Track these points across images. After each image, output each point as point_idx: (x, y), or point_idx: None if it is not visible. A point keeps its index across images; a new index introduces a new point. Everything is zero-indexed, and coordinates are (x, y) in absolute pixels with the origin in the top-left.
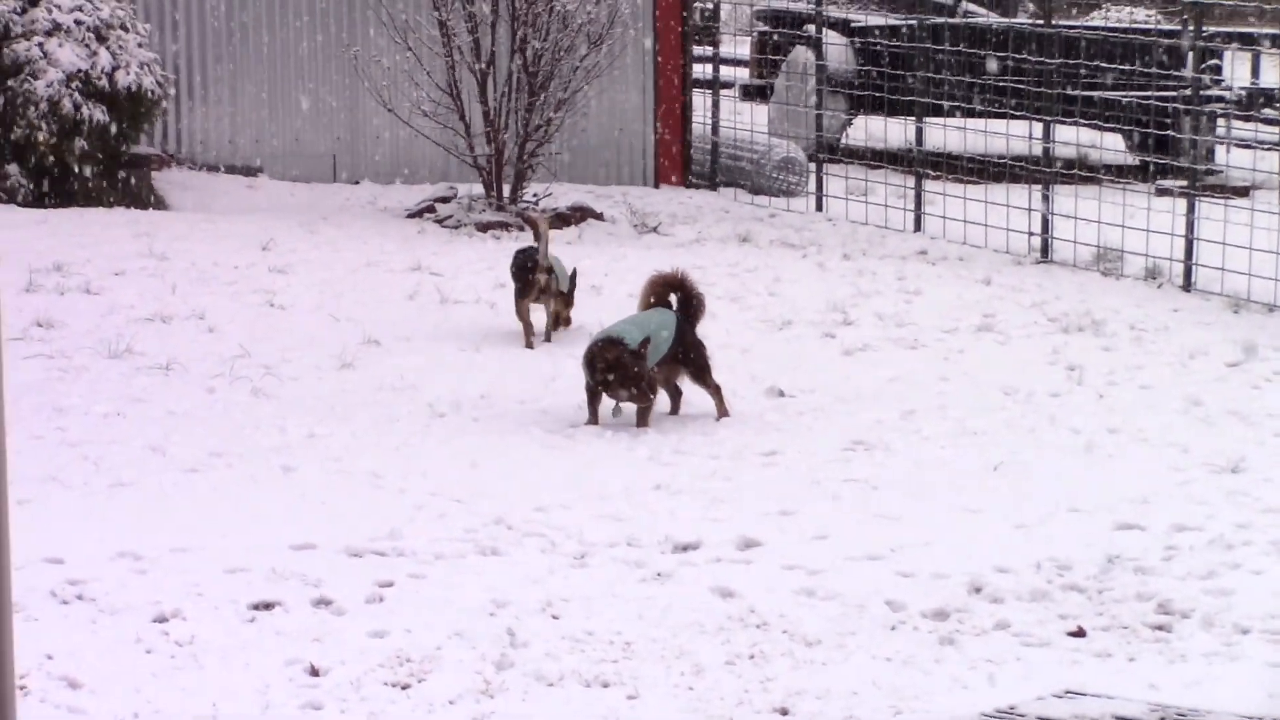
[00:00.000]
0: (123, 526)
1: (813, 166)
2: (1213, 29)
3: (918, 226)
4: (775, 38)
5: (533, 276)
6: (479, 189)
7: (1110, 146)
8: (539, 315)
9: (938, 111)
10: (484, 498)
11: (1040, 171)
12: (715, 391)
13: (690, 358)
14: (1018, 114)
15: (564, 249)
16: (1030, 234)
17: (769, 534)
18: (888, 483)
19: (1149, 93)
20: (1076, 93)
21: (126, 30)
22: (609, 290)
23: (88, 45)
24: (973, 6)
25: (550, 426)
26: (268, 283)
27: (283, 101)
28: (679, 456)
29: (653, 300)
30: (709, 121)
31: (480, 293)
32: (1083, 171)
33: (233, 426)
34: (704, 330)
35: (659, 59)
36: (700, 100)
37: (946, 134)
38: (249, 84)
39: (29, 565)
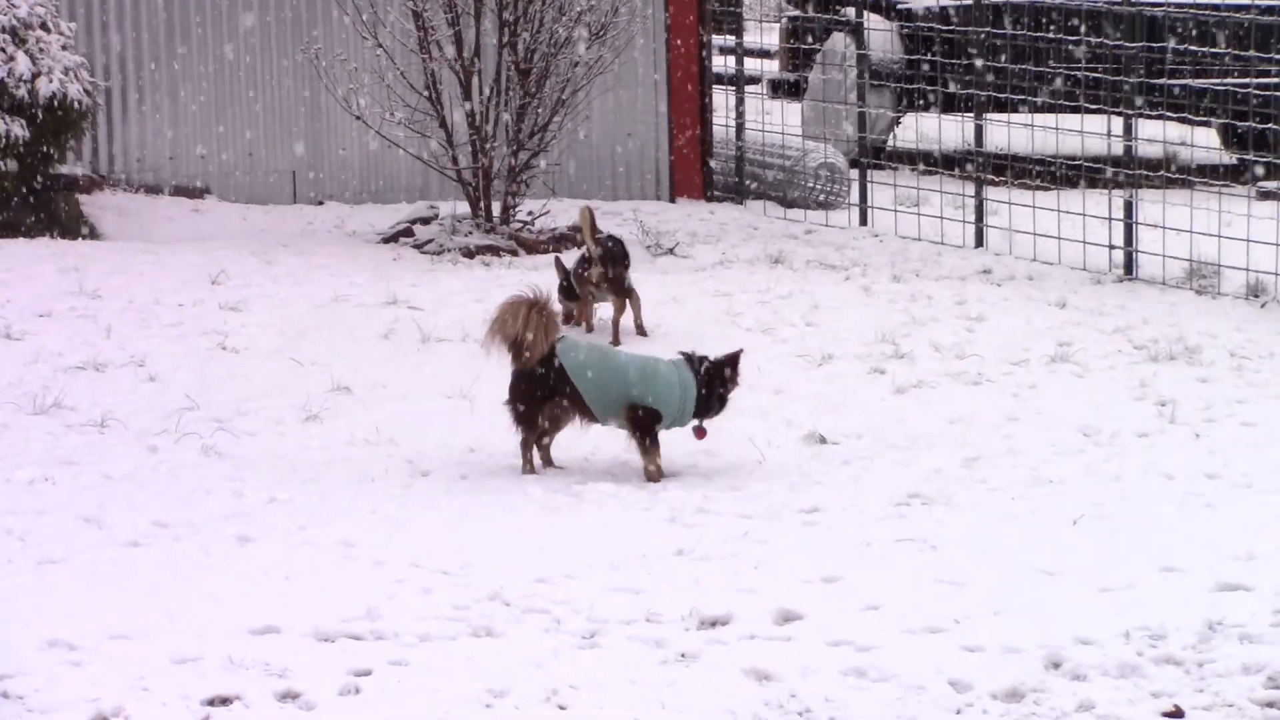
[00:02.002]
0: (53, 611)
1: (855, 174)
2: None
3: (979, 242)
4: (808, 23)
5: (586, 272)
6: (464, 208)
7: (1202, 143)
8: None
9: (1000, 107)
10: (476, 569)
11: (1122, 174)
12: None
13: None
14: (1094, 108)
15: None
16: (1111, 247)
17: (811, 605)
18: (949, 542)
19: (1247, 80)
20: (1162, 82)
21: (48, 30)
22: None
23: (2, 49)
24: None
25: (552, 484)
26: (218, 323)
27: (233, 110)
28: (704, 516)
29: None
30: (732, 123)
31: (467, 329)
32: (1171, 173)
33: (180, 492)
34: None
35: (673, 51)
36: (722, 99)
37: (1011, 133)
38: (193, 90)
39: None
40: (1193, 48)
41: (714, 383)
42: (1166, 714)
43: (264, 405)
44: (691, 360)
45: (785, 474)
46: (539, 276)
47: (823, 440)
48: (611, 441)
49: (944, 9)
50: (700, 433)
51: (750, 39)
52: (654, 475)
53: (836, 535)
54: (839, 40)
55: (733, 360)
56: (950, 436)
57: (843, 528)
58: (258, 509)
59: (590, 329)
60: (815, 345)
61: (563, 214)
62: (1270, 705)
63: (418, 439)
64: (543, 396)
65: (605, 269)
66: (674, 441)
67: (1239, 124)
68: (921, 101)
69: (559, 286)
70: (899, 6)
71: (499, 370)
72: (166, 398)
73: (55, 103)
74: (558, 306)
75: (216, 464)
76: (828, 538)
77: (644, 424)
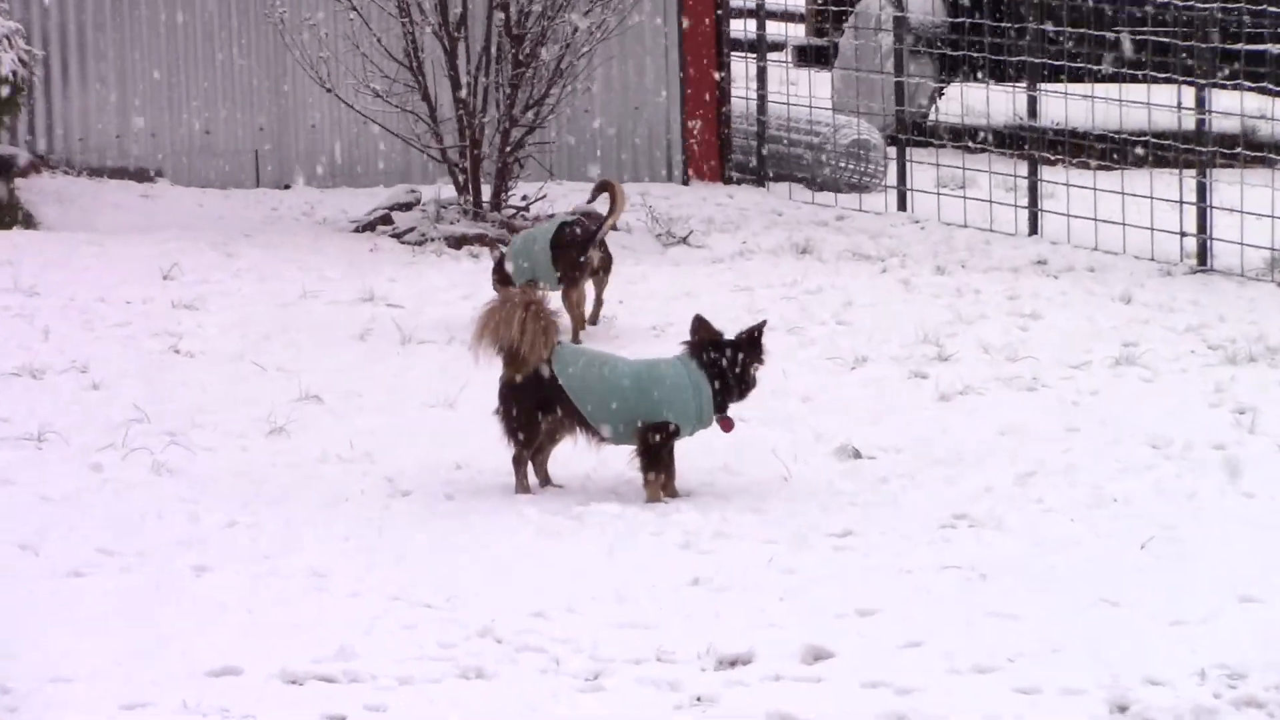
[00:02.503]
0: None
1: (893, 152)
2: None
3: (1034, 228)
4: None
5: (584, 257)
6: (450, 192)
7: None
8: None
9: (1056, 76)
10: (463, 602)
11: (1194, 152)
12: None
13: None
14: (1162, 77)
15: None
16: (1182, 235)
17: (844, 642)
18: (1000, 569)
19: None
20: (1239, 47)
21: None
22: (624, 323)
23: None
24: None
25: (550, 505)
26: (171, 323)
27: (187, 82)
28: (723, 541)
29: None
30: (753, 96)
31: (453, 329)
32: (1249, 151)
33: (128, 515)
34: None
35: (686, 15)
36: (742, 68)
37: (1069, 105)
38: (143, 61)
39: None
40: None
41: (729, 369)
42: None
43: (223, 417)
44: (698, 349)
45: (814, 493)
46: None
47: (857, 455)
48: (617, 457)
49: None
50: (726, 424)
51: (773, 0)
52: (651, 498)
53: (873, 562)
54: (873, 1)
55: (751, 336)
56: (1001, 450)
57: (880, 554)
58: (216, 534)
59: (593, 321)
60: (848, 346)
61: (561, 198)
62: None
63: (398, 454)
64: (538, 408)
65: (605, 251)
66: (689, 454)
67: None
68: (967, 70)
69: (495, 277)
70: None
71: (489, 376)
72: (112, 408)
73: None
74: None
75: (169, 483)
76: (863, 565)
77: (657, 443)
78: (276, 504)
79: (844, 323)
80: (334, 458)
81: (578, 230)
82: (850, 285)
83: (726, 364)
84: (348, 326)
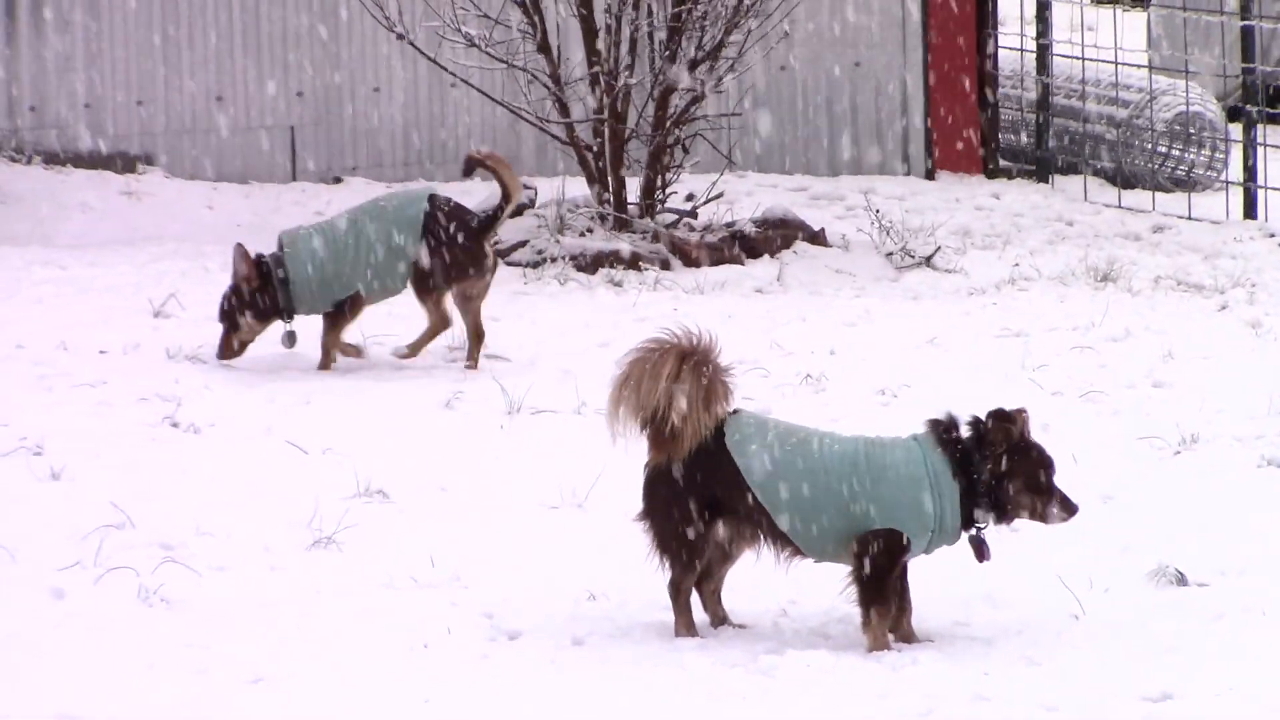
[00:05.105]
0: None
1: (1237, 131)
2: None
3: None
4: None
5: (479, 246)
6: (580, 187)
7: None
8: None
9: None
10: None
11: None
12: None
13: None
14: None
15: (754, 299)
16: None
17: None
18: None
19: None
20: None
21: None
22: (836, 379)
23: None
24: None
25: (725, 653)
26: (165, 382)
27: (189, 32)
28: (983, 709)
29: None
30: (1030, 46)
31: (581, 390)
32: None
33: (102, 666)
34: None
35: None
36: (1013, 5)
37: None
38: (124, 3)
39: None
40: None
41: (987, 460)
42: None
43: (242, 521)
44: (945, 431)
45: (1118, 636)
46: (704, 306)
47: (1181, 579)
48: (827, 579)
49: None
50: (980, 549)
51: None
52: (875, 645)
53: None
54: None
55: (1023, 443)
56: None
57: None
58: (234, 696)
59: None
60: (1169, 420)
61: (746, 197)
62: None
63: (501, 577)
64: (705, 508)
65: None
66: (931, 577)
67: None
68: None
69: (233, 299)
70: None
71: (634, 460)
72: (80, 508)
73: None
74: (720, 366)
75: (163, 619)
76: None
77: (880, 564)
78: (322, 651)
79: (1163, 384)
80: (407, 582)
81: (453, 207)
82: (1173, 329)
83: (976, 453)
84: (428, 388)
